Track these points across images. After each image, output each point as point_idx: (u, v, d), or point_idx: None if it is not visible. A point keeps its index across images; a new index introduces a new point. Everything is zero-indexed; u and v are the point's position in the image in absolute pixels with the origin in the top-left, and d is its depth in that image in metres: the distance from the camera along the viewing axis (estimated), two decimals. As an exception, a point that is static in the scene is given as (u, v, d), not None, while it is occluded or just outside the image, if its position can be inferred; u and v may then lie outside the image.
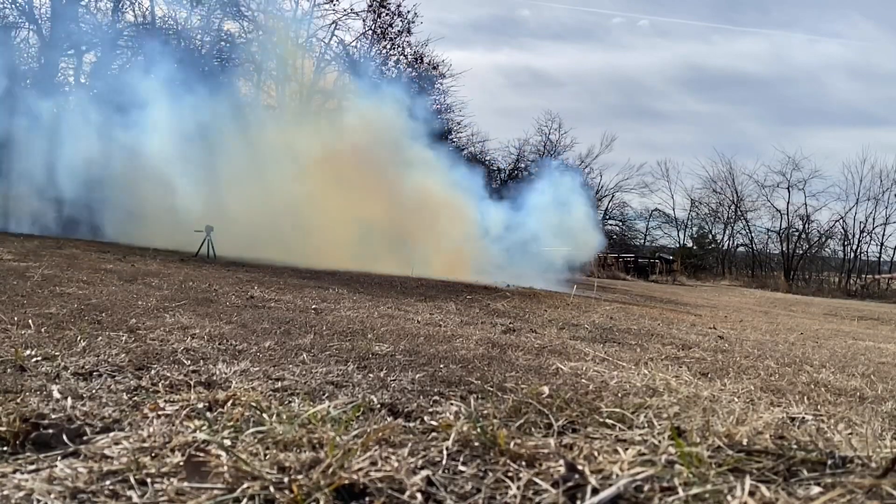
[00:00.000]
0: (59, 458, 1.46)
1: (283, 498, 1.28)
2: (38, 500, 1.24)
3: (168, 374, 2.27)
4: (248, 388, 2.14)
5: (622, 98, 56.06)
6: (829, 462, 1.59)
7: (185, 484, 1.32)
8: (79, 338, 2.80)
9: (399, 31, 24.25)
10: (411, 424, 1.85)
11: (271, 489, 1.31)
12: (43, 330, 2.96)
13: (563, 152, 36.27)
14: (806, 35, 52.89)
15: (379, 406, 2.04)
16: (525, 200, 11.44)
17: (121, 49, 20.61)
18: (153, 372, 2.31)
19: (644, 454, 1.60)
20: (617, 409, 2.06)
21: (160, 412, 1.81)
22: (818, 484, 1.47)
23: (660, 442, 1.71)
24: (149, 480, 1.34)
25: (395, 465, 1.46)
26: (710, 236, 35.65)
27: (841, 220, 31.19)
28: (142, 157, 10.01)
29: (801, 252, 31.60)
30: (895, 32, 56.79)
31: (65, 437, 1.56)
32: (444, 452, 1.57)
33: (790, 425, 2.04)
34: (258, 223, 8.63)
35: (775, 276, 29.35)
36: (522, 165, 35.50)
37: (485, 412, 1.96)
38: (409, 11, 24.30)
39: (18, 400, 1.82)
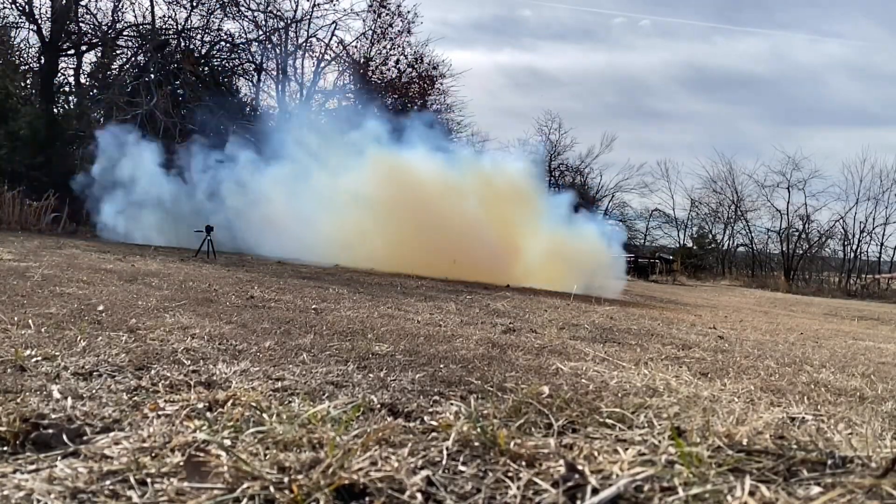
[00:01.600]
0: (59, 458, 1.46)
1: (283, 498, 1.28)
2: (38, 500, 1.24)
3: (168, 374, 2.27)
4: (248, 388, 2.14)
5: (623, 98, 56.02)
6: (829, 462, 1.59)
7: (185, 484, 1.32)
8: (79, 338, 2.80)
9: (399, 31, 24.26)
10: (411, 424, 1.85)
11: (271, 489, 1.31)
12: (43, 330, 2.96)
13: (563, 152, 36.28)
14: (807, 35, 52.82)
15: (379, 406, 2.04)
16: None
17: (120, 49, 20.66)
18: (153, 372, 2.31)
19: (644, 454, 1.61)
20: (617, 409, 2.06)
21: (160, 412, 1.81)
22: (818, 484, 1.47)
23: (660, 442, 1.71)
24: (149, 480, 1.34)
25: (395, 465, 1.46)
26: (710, 236, 35.60)
27: (841, 220, 31.16)
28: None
29: (801, 252, 31.55)
30: (896, 32, 56.79)
31: (65, 437, 1.56)
32: (444, 452, 1.57)
33: (790, 425, 2.04)
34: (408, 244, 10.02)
35: (775, 276, 29.29)
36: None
37: (485, 412, 1.96)
38: (409, 11, 24.30)
39: (18, 400, 1.82)
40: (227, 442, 1.55)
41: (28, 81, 20.93)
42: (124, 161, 13.81)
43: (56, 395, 1.89)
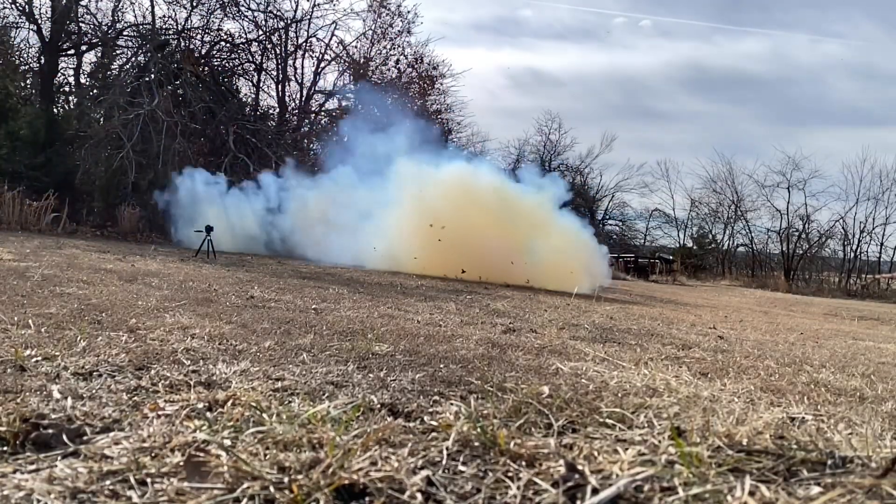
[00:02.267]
0: (59, 458, 1.46)
1: (283, 498, 1.28)
2: (38, 500, 1.24)
3: (168, 374, 2.27)
4: (248, 388, 2.14)
5: (623, 98, 56.02)
6: (829, 462, 1.59)
7: (185, 484, 1.32)
8: (79, 338, 2.80)
9: (399, 31, 24.26)
10: (411, 424, 1.85)
11: (271, 489, 1.31)
12: (43, 330, 2.96)
13: (563, 152, 36.30)
14: (808, 35, 52.77)
15: (379, 406, 2.04)
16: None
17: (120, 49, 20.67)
18: (153, 372, 2.31)
19: (644, 454, 1.61)
20: (617, 409, 2.06)
21: (160, 412, 1.81)
22: (818, 484, 1.47)
23: (660, 442, 1.71)
24: (149, 480, 1.34)
25: (395, 465, 1.46)
26: (710, 236, 35.58)
27: (841, 220, 31.16)
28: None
29: (801, 252, 31.55)
30: (896, 32, 56.70)
31: (65, 437, 1.56)
32: (444, 452, 1.57)
33: (790, 425, 2.04)
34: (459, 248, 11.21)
35: (775, 276, 29.25)
36: (522, 166, 35.53)
37: (485, 412, 1.96)
38: (409, 11, 24.30)
39: (18, 400, 1.82)
40: (227, 442, 1.55)
41: (28, 81, 20.93)
42: (198, 193, 15.82)
43: (56, 395, 1.89)
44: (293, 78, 23.20)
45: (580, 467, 1.47)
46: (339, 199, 13.69)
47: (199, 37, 21.11)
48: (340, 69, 23.90)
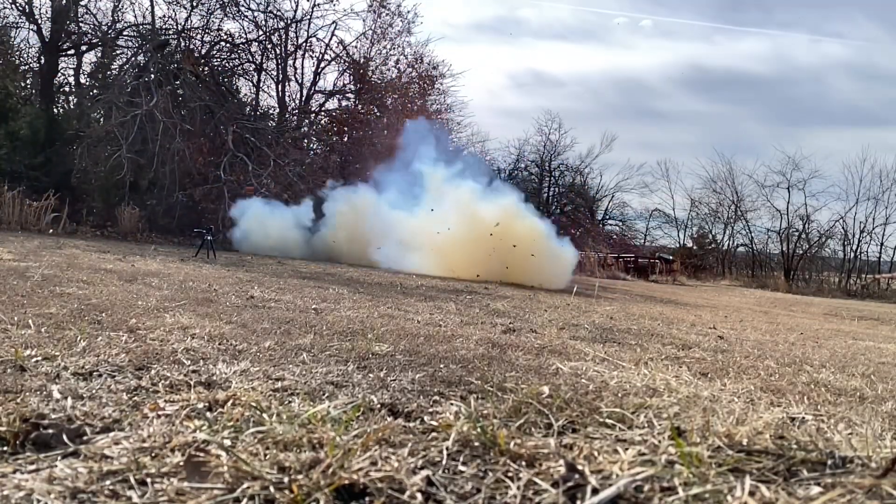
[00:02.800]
0: (59, 458, 1.46)
1: (283, 498, 1.28)
2: (38, 500, 1.24)
3: (168, 374, 2.27)
4: (248, 388, 2.14)
5: (623, 98, 55.95)
6: (829, 462, 1.59)
7: (185, 484, 1.32)
8: (79, 338, 2.80)
9: (399, 31, 24.24)
10: (411, 424, 1.85)
11: (271, 489, 1.31)
12: (43, 330, 2.96)
13: (563, 152, 36.26)
14: (808, 35, 52.71)
15: (379, 406, 2.04)
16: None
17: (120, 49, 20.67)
18: (153, 372, 2.31)
19: (644, 454, 1.61)
20: (617, 409, 2.06)
21: (160, 412, 1.81)
22: (818, 484, 1.47)
23: (660, 442, 1.71)
24: (149, 480, 1.34)
25: (395, 465, 1.46)
26: (710, 236, 35.55)
27: (841, 220, 31.14)
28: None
29: (801, 252, 31.53)
30: (896, 32, 56.70)
31: (65, 437, 1.56)
32: (444, 452, 1.57)
33: (790, 425, 2.04)
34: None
35: (775, 276, 29.22)
36: (522, 165, 35.52)
37: (485, 412, 1.97)
38: (409, 11, 24.29)
39: (18, 400, 1.82)
40: (227, 442, 1.55)
41: (28, 81, 20.92)
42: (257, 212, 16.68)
43: (56, 395, 1.89)
44: (293, 78, 23.19)
45: (580, 467, 1.47)
46: (382, 212, 14.72)
47: (199, 37, 21.08)
48: (340, 69, 23.90)
